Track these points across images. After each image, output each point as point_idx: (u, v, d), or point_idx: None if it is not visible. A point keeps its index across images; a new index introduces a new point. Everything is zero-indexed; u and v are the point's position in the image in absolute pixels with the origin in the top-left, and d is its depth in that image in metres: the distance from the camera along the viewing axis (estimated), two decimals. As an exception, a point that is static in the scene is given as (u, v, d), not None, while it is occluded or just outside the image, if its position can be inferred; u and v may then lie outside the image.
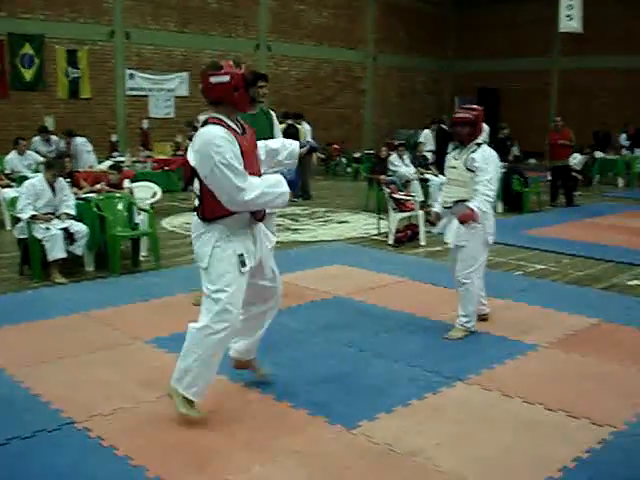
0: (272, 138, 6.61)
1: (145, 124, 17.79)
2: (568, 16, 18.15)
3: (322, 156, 5.07)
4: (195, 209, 4.19)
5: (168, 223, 11.60)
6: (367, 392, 4.74)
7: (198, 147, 4.02)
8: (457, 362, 5.31)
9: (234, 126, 4.12)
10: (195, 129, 15.33)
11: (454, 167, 5.91)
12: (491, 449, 3.99)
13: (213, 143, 3.94)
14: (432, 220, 6.33)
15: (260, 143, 4.47)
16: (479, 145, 5.82)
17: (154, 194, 9.78)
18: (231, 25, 20.48)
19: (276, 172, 4.28)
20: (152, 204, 9.54)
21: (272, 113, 6.85)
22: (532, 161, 21.85)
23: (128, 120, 18.48)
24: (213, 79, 4.08)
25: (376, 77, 24.94)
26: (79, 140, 13.83)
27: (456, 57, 27.73)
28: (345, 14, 23.61)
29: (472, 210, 5.55)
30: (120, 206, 8.47)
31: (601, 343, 5.84)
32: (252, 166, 4.13)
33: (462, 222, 5.64)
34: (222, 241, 4.10)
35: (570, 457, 3.88)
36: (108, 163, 12.40)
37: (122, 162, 13.00)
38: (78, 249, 7.83)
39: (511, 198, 13.63)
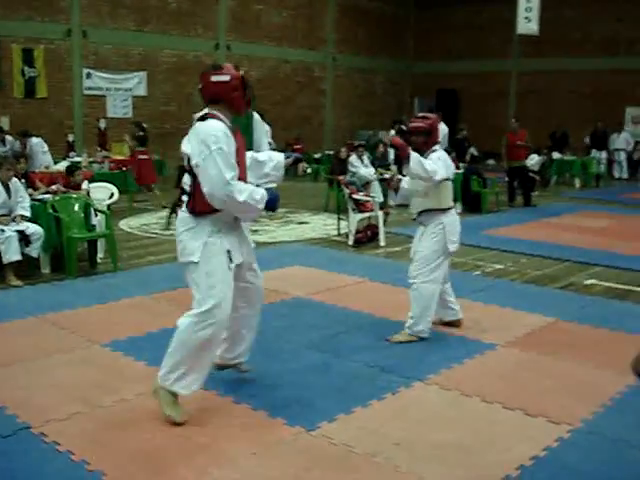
0: (251, 139, 6.61)
1: (102, 124, 17.56)
2: (526, 18, 18.36)
3: (306, 166, 5.00)
4: (182, 204, 4.28)
5: (126, 224, 11.48)
6: (327, 393, 4.73)
7: (196, 135, 4.10)
8: (416, 362, 5.33)
9: (229, 125, 4.21)
10: (143, 130, 15.16)
11: (413, 177, 5.81)
12: (450, 449, 4.00)
13: (213, 134, 4.04)
14: (393, 185, 6.15)
15: (248, 153, 4.54)
16: (434, 151, 5.76)
17: (111, 195, 9.68)
18: (190, 24, 20.33)
19: (266, 188, 4.38)
20: (109, 205, 9.44)
21: (254, 114, 6.77)
22: (491, 162, 22.06)
23: (85, 120, 18.25)
24: (214, 78, 4.22)
25: (336, 78, 24.98)
26: (34, 140, 13.61)
27: (415, 58, 27.88)
28: (305, 14, 23.60)
29: (408, 149, 5.48)
30: (76, 207, 8.36)
31: (558, 342, 5.90)
32: (242, 167, 4.25)
33: (391, 144, 5.73)
34: (213, 236, 4.17)
35: (528, 455, 3.92)
36: (65, 163, 12.23)
37: (79, 163, 12.83)
38: (34, 251, 7.71)
39: (470, 199, 13.74)
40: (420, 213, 5.86)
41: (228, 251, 4.20)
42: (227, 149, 4.03)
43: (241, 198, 4.04)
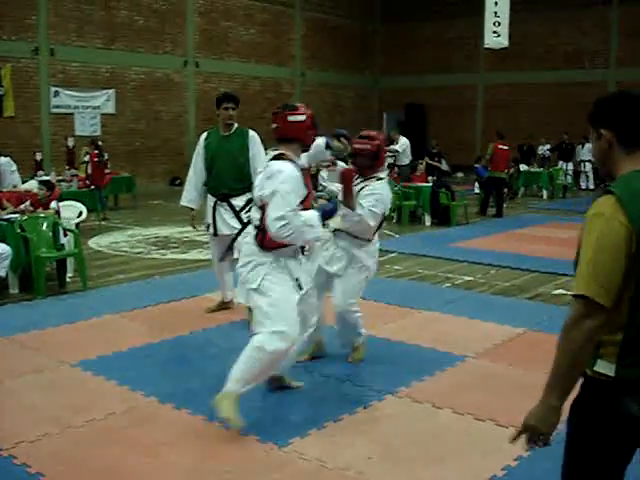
0: (244, 161, 6.60)
1: (71, 142, 17.45)
2: (495, 32, 18.55)
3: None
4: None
5: (95, 243, 11.40)
6: (298, 409, 4.73)
7: (270, 174, 4.32)
8: (387, 375, 5.35)
9: (299, 164, 4.45)
10: (98, 147, 15.13)
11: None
12: (422, 461, 4.02)
13: (284, 175, 4.26)
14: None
15: None
16: (379, 179, 5.40)
17: (80, 214, 9.61)
18: (158, 42, 20.32)
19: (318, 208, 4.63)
20: (78, 224, 9.37)
21: (252, 135, 6.73)
22: (459, 175, 22.25)
23: (53, 138, 18.13)
24: (291, 118, 4.43)
25: (305, 93, 25.04)
26: (2, 160, 13.43)
27: (383, 73, 28.08)
28: (273, 31, 23.69)
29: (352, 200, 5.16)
30: (45, 226, 8.28)
31: (527, 352, 5.95)
32: (308, 201, 4.51)
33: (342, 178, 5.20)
34: (277, 266, 4.40)
35: (500, 466, 3.94)
36: (33, 182, 12.12)
37: (47, 182, 12.72)
38: (1, 271, 7.60)
39: (439, 212, 13.84)
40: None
41: (297, 279, 4.46)
42: (291, 191, 4.25)
43: (286, 230, 4.22)
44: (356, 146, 5.45)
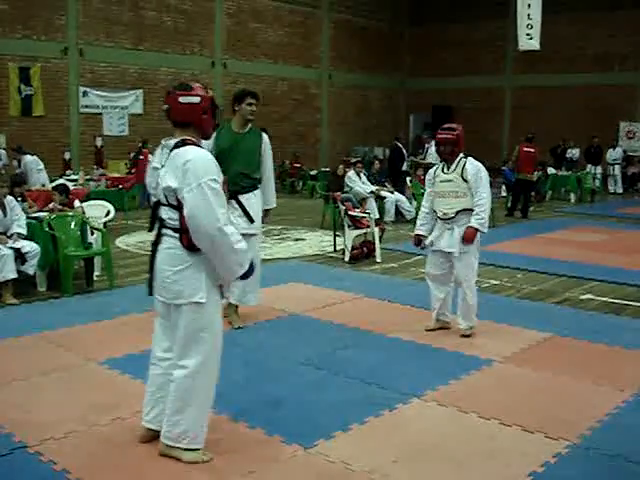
0: (259, 162, 6.49)
1: (99, 142, 17.61)
2: (528, 35, 18.46)
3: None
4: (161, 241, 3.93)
5: (122, 242, 11.47)
6: (324, 410, 4.72)
7: (183, 165, 3.71)
8: (413, 378, 5.33)
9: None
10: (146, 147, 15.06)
11: (448, 180, 6.31)
12: (447, 466, 3.99)
13: (203, 162, 3.75)
14: (414, 243, 6.67)
15: None
16: (466, 157, 6.34)
17: (108, 213, 9.67)
18: (186, 42, 20.45)
19: None
20: (106, 223, 9.44)
21: (264, 136, 6.65)
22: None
23: (82, 138, 18.31)
24: (183, 99, 3.87)
25: (331, 94, 25.07)
26: (29, 158, 13.60)
27: (411, 75, 28.02)
28: (300, 32, 23.73)
29: (474, 230, 6.18)
30: (73, 225, 8.35)
31: (555, 357, 5.90)
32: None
33: (466, 241, 6.18)
34: (211, 273, 3.86)
35: (525, 472, 3.91)
36: (61, 181, 12.24)
37: (75, 180, 12.85)
38: (30, 269, 7.69)
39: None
40: (459, 212, 6.25)
41: (220, 285, 3.97)
42: (217, 180, 3.73)
43: (234, 240, 3.74)
44: (440, 136, 6.40)
